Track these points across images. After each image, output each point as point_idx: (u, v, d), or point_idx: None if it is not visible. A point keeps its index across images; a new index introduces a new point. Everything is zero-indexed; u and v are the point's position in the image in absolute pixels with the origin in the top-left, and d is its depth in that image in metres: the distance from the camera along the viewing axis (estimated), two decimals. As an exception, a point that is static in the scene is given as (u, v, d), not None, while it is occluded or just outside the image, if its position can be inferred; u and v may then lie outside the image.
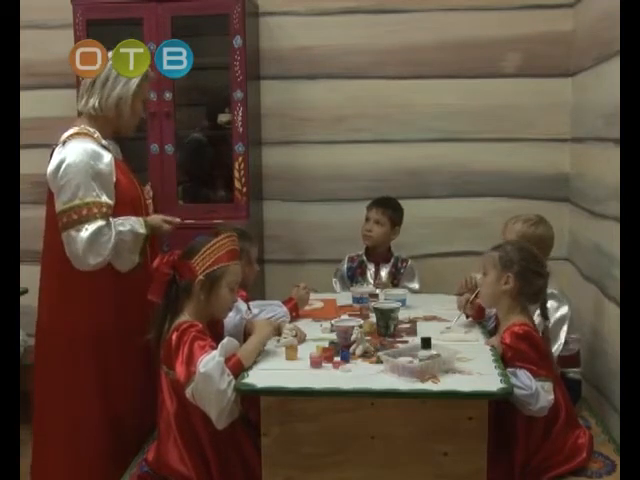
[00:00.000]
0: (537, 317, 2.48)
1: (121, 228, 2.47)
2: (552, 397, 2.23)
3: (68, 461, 2.57)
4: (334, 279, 3.49)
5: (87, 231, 2.42)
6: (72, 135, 2.53)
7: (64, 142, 2.51)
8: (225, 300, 2.35)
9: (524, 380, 2.19)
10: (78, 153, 2.45)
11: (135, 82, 2.56)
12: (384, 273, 3.42)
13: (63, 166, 2.45)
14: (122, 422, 2.57)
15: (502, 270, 2.40)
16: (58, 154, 2.49)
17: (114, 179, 2.52)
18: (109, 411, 2.56)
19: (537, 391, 2.19)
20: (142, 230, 2.52)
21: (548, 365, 2.32)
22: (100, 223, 2.44)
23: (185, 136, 3.71)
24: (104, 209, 2.46)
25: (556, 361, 2.58)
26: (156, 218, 2.63)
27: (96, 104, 2.55)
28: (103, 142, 2.55)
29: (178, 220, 2.68)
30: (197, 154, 3.77)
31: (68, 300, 2.54)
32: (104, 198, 2.47)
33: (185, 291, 2.30)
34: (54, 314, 2.57)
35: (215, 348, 2.17)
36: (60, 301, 2.56)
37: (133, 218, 2.53)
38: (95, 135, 2.55)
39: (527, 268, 2.38)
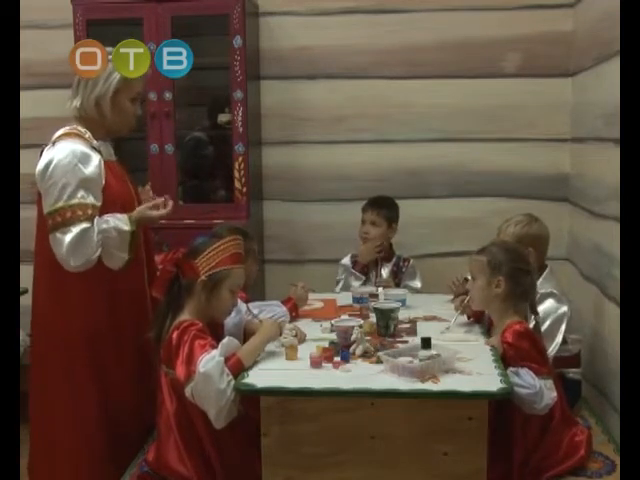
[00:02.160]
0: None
1: (104, 226, 2.44)
2: (555, 394, 2.23)
3: (66, 461, 2.55)
4: (339, 270, 3.46)
5: (71, 233, 2.39)
6: (62, 135, 2.50)
7: (54, 142, 2.49)
8: (225, 302, 2.35)
9: (528, 379, 2.19)
10: (66, 154, 2.43)
11: (115, 79, 2.50)
12: (385, 272, 3.41)
13: (50, 167, 2.43)
14: (120, 421, 2.55)
15: (492, 274, 2.38)
16: (47, 154, 2.47)
17: (103, 181, 2.49)
18: (107, 410, 2.54)
19: (541, 389, 2.19)
20: (126, 227, 2.47)
21: (548, 363, 2.32)
22: (84, 225, 2.41)
23: (185, 136, 3.70)
24: (89, 211, 2.43)
25: (552, 361, 2.57)
26: (141, 209, 2.55)
27: (78, 105, 2.53)
28: (94, 143, 2.52)
29: (161, 200, 2.58)
30: (197, 154, 3.77)
31: (61, 299, 2.52)
32: (90, 199, 2.44)
33: (187, 290, 2.31)
34: (49, 313, 2.55)
35: (215, 347, 2.17)
36: (54, 300, 2.54)
37: (118, 215, 2.48)
38: (86, 135, 2.52)
39: (516, 268, 2.37)
